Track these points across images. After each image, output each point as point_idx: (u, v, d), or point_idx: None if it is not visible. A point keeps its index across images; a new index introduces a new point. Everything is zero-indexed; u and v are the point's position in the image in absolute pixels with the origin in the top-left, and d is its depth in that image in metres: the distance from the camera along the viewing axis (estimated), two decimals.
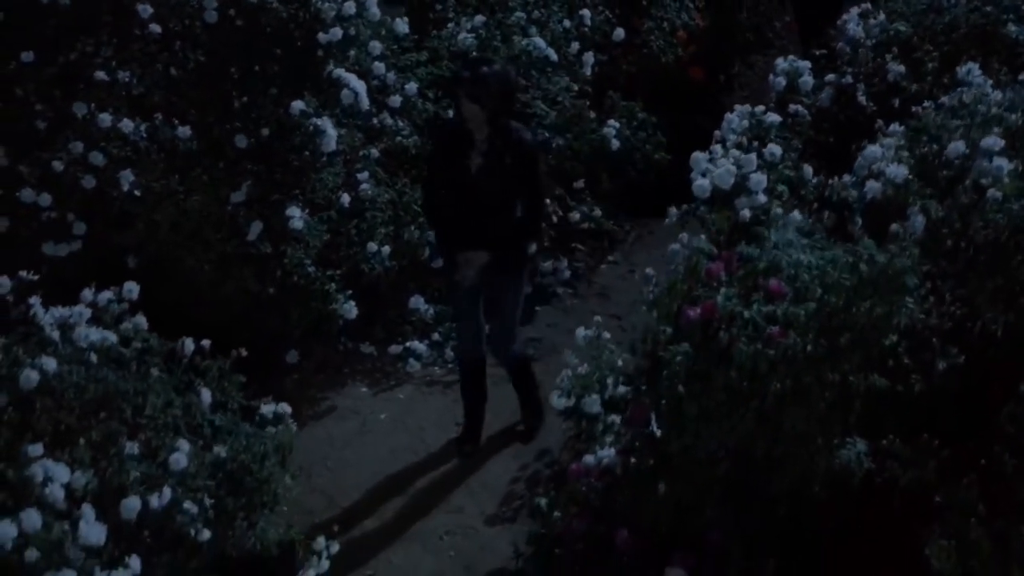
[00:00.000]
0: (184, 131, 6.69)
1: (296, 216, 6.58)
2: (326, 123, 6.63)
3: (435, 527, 6.17)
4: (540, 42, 7.40)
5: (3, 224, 6.74)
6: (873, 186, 4.99)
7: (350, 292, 6.69)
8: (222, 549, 5.03)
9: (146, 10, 6.83)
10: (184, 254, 6.76)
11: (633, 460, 4.74)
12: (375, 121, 7.03)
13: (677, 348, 4.36)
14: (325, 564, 5.26)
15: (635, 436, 4.66)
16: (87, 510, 4.52)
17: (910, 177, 5.04)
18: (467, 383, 6.48)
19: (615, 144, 7.66)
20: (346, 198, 6.70)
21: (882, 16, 6.75)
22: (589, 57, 7.70)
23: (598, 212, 7.61)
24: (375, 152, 6.93)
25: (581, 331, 5.51)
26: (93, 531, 4.49)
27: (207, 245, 6.79)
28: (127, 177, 6.62)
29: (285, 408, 5.37)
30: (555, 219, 7.39)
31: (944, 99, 5.44)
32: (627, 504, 4.65)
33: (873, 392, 4.47)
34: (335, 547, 5.32)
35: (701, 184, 5.67)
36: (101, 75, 6.79)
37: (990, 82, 5.35)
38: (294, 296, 6.70)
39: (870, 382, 4.45)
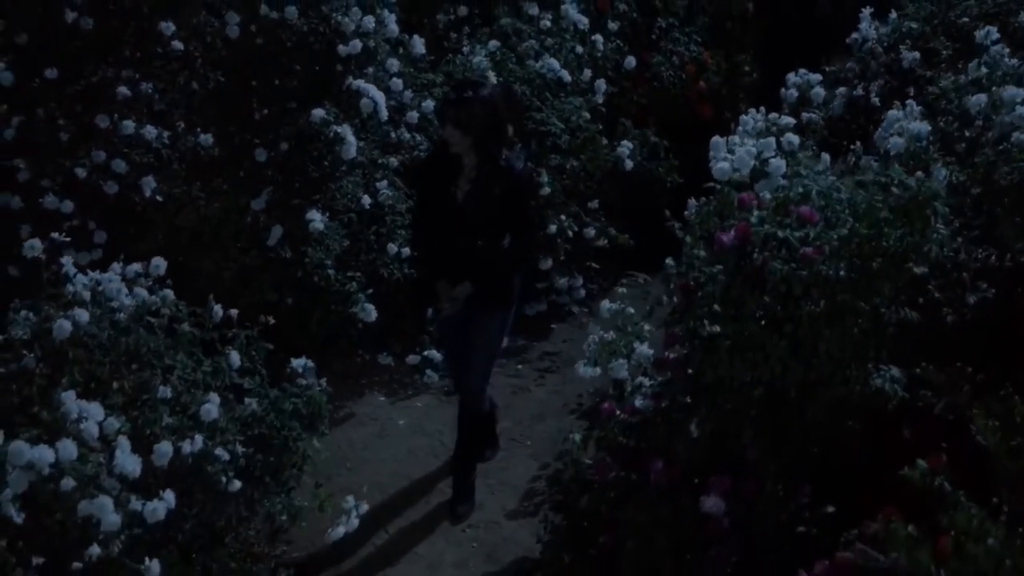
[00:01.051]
0: (206, 139, 6.77)
1: (316, 219, 6.64)
2: (346, 130, 6.71)
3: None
4: (554, 63, 7.52)
5: (24, 232, 6.74)
6: (897, 142, 5.06)
7: (370, 291, 6.68)
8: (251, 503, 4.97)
9: (169, 27, 6.96)
10: (205, 262, 6.79)
11: (665, 403, 4.73)
12: (393, 136, 7.12)
13: (711, 270, 4.39)
14: (355, 522, 5.21)
15: (670, 366, 4.65)
16: (122, 441, 4.49)
17: (931, 137, 5.12)
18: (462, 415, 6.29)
19: (629, 164, 7.75)
20: (366, 199, 6.74)
21: (894, 15, 6.90)
22: (601, 84, 7.83)
23: (612, 231, 7.65)
24: (394, 161, 7.00)
25: (606, 303, 5.51)
26: (129, 461, 4.46)
27: (227, 254, 6.83)
28: (149, 183, 6.68)
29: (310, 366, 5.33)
30: (570, 234, 7.42)
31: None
32: (661, 439, 4.63)
33: (905, 324, 4.50)
34: (363, 507, 5.26)
35: (722, 167, 5.71)
36: (124, 90, 6.88)
37: (1007, 49, 5.45)
38: (314, 300, 6.71)
39: (901, 315, 4.49)
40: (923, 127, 5.09)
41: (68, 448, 4.37)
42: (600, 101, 7.85)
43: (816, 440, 4.51)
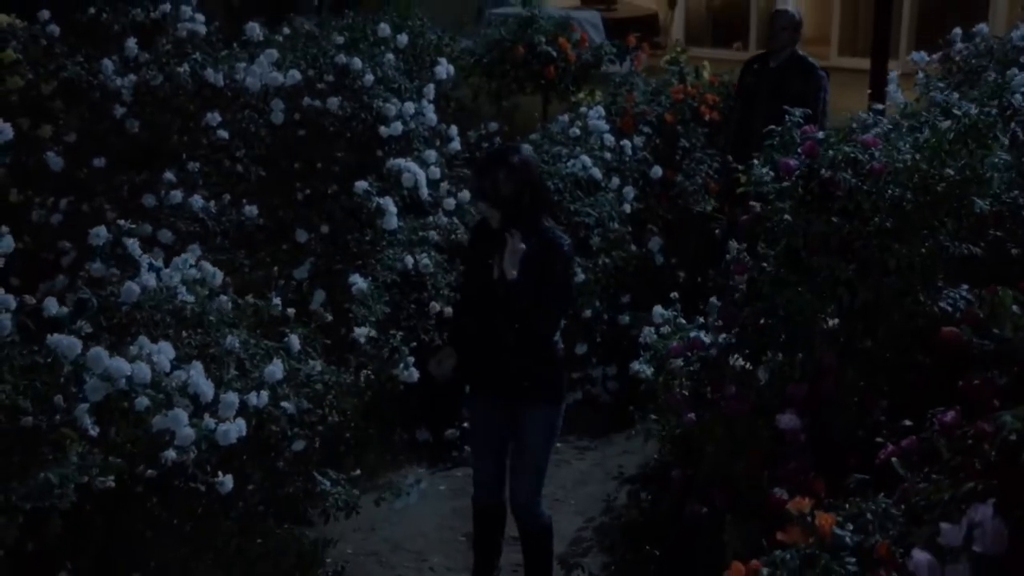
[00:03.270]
0: (251, 210, 6.93)
1: (359, 281, 6.70)
2: (388, 202, 6.86)
3: (506, 563, 5.94)
4: (587, 160, 7.77)
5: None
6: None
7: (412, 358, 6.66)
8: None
9: (215, 118, 7.23)
10: None
11: (732, 337, 4.75)
12: (431, 219, 7.27)
13: (779, 186, 4.50)
14: (415, 497, 5.11)
15: (737, 288, 4.69)
16: (196, 365, 4.47)
17: None
18: (479, 535, 5.60)
19: (659, 259, 7.90)
20: (409, 260, 6.81)
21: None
22: (629, 192, 8.05)
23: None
24: (434, 235, 7.12)
25: (658, 309, 5.57)
26: (203, 383, 4.44)
27: None
28: (195, 250, 6.77)
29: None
30: (605, 317, 7.50)
31: None
32: (731, 371, 4.63)
33: (969, 258, 4.59)
34: (423, 484, 5.17)
35: None
36: (169, 175, 7.08)
37: None
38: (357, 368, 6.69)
39: (965, 251, 4.59)
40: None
41: (142, 369, 4.38)
42: (628, 211, 8.03)
43: (888, 359, 4.50)
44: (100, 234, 5.29)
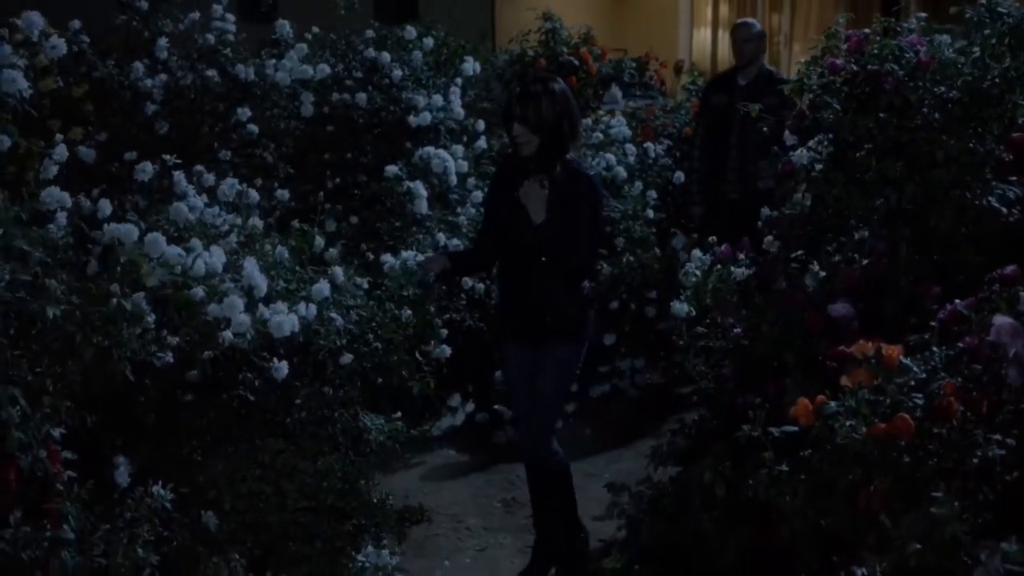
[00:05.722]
0: (283, 194, 6.97)
1: (390, 260, 6.72)
2: (418, 186, 6.89)
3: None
4: (611, 158, 7.86)
5: None
6: None
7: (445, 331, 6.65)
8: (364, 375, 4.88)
9: (245, 113, 7.33)
10: None
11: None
12: (460, 212, 7.31)
13: (825, 79, 4.56)
14: (461, 416, 5.09)
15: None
16: (250, 259, 4.49)
17: None
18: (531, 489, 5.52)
19: (683, 257, 7.91)
20: (441, 237, 6.84)
21: None
22: (652, 195, 8.13)
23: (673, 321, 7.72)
24: (463, 219, 7.16)
25: (696, 252, 5.59)
26: (257, 275, 4.46)
27: None
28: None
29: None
30: (632, 307, 7.52)
31: None
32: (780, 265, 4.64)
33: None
34: (470, 406, 5.15)
35: None
36: (200, 168, 7.13)
37: None
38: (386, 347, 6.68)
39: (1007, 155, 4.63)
40: None
41: (197, 264, 4.37)
42: (652, 216, 8.09)
43: (937, 260, 4.52)
44: (146, 169, 5.30)
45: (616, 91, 9.79)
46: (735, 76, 8.07)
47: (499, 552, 5.64)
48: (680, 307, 5.48)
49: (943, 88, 4.51)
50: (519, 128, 4.97)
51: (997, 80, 4.52)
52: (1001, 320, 3.07)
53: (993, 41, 4.57)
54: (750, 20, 8.42)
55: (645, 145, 8.27)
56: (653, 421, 7.31)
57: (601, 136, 8.23)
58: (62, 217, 4.48)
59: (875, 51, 4.56)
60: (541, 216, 4.97)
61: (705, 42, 17.12)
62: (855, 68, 4.56)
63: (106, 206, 4.57)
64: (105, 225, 4.37)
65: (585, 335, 5.25)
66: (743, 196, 7.79)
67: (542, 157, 5.00)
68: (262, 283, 4.44)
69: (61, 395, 3.77)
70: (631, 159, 8.14)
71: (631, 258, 7.79)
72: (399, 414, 5.41)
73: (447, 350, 6.30)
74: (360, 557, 4.85)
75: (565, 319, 5.12)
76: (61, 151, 4.78)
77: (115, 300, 3.96)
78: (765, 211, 5.79)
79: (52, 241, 4.31)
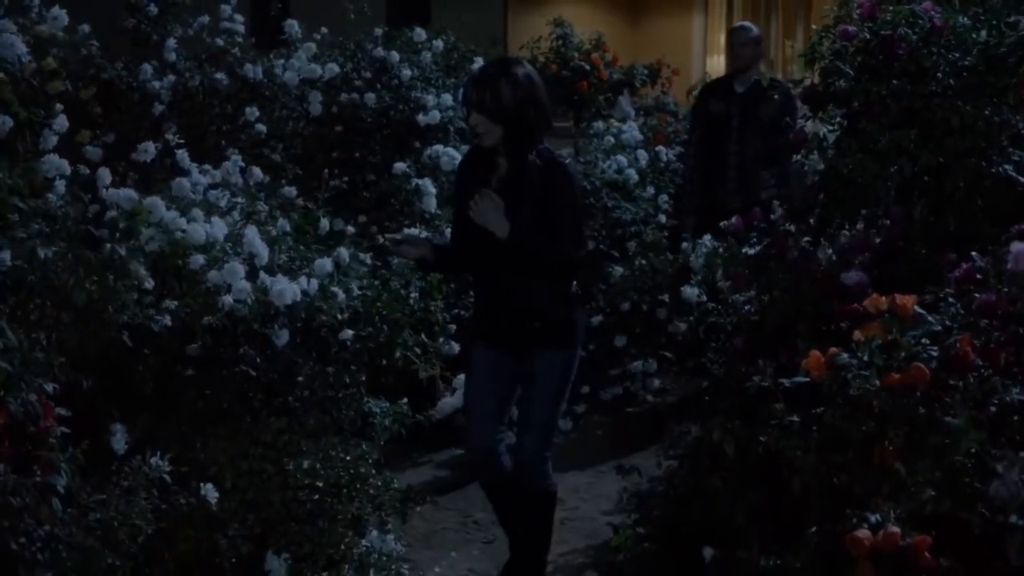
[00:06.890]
0: (290, 191, 6.90)
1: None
2: (427, 183, 6.83)
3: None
4: (623, 160, 7.79)
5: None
6: None
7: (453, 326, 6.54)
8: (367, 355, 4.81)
9: (253, 113, 7.28)
10: None
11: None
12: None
13: (837, 45, 4.49)
14: (460, 396, 5.00)
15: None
16: (251, 228, 4.42)
17: None
18: (493, 504, 5.09)
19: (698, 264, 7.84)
20: (448, 232, 6.74)
21: None
22: (664, 199, 8.06)
23: (683, 325, 7.63)
24: None
25: (707, 238, 5.52)
26: (258, 244, 4.39)
27: None
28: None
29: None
30: (644, 308, 7.43)
31: None
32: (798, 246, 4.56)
33: None
34: None
35: None
36: (208, 167, 7.09)
37: None
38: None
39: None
40: None
41: (197, 230, 4.31)
42: (663, 221, 8.02)
43: (953, 231, 4.44)
44: (148, 149, 5.24)
45: (625, 103, 9.73)
46: (732, 83, 7.78)
47: (506, 545, 5.49)
48: (691, 292, 5.41)
49: (957, 54, 4.43)
50: (477, 117, 4.43)
51: (1012, 46, 4.45)
52: (1019, 247, 2.97)
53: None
54: (747, 24, 8.12)
55: (657, 149, 8.18)
56: (665, 424, 7.18)
57: (612, 140, 8.15)
58: (60, 186, 4.42)
59: (888, 17, 4.49)
60: (505, 229, 4.40)
61: (719, 69, 17.05)
62: (868, 35, 4.48)
63: (105, 174, 4.49)
64: (104, 190, 4.29)
65: (576, 338, 4.70)
66: (745, 205, 7.66)
67: (507, 149, 4.49)
68: (263, 251, 4.37)
69: (55, 350, 3.68)
70: (643, 163, 8.05)
71: (643, 261, 7.70)
72: (405, 400, 5.32)
73: (456, 347, 6.22)
74: (365, 542, 4.74)
75: (551, 322, 4.59)
76: (61, 121, 4.70)
77: (108, 246, 3.88)
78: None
79: (51, 211, 4.27)
